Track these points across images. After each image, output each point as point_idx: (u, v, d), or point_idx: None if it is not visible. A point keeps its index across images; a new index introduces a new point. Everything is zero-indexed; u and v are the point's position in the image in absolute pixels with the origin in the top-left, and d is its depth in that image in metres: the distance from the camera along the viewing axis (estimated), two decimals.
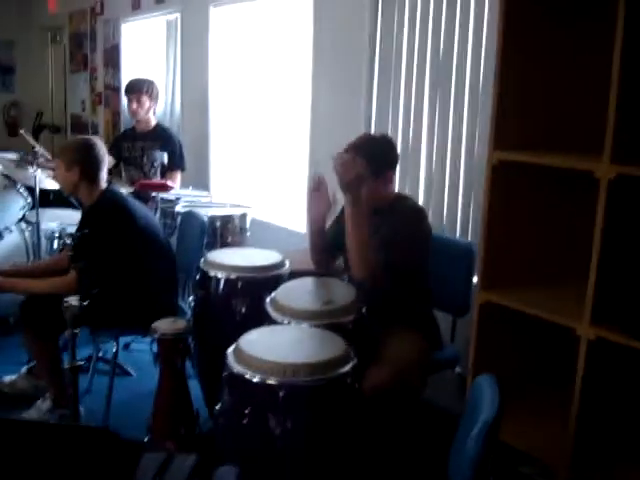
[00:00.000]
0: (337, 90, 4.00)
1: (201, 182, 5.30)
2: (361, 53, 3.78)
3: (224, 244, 3.80)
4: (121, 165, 4.82)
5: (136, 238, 3.10)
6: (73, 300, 2.37)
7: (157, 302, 3.18)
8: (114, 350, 3.21)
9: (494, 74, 2.08)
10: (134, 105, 4.71)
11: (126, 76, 6.31)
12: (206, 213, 3.76)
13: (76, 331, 2.44)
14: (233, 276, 2.95)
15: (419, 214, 2.75)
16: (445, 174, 3.48)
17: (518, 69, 2.08)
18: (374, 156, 2.66)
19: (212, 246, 3.76)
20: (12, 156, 4.75)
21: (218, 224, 3.77)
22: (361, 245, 2.53)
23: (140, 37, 6.20)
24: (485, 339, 2.18)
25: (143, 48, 6.17)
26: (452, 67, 3.35)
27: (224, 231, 3.80)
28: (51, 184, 4.32)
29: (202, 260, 3.08)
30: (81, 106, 7.64)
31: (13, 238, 4.39)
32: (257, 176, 4.93)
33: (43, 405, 3.19)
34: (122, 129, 6.16)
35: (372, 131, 3.81)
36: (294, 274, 3.18)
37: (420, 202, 3.64)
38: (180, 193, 4.19)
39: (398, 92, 3.66)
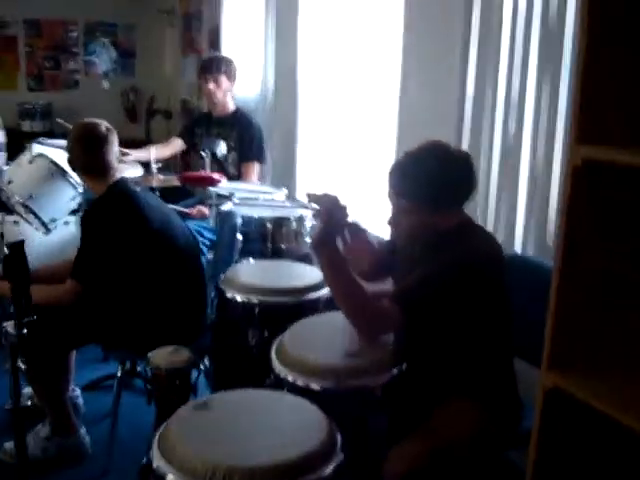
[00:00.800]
0: (428, 69, 3.24)
1: (287, 176, 4.72)
2: (455, 22, 3.00)
3: (276, 252, 3.17)
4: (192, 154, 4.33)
5: (146, 243, 2.56)
6: (9, 327, 1.86)
7: (174, 322, 2.62)
8: (118, 374, 2.68)
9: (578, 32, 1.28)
10: (211, 86, 4.20)
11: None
12: (255, 214, 3.15)
13: (19, 364, 1.91)
14: (252, 299, 2.33)
15: (472, 258, 1.92)
16: (550, 178, 2.64)
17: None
18: (430, 191, 1.89)
19: (261, 254, 3.15)
20: None
21: (269, 227, 3.14)
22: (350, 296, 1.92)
23: (240, 15, 5.70)
24: (551, 439, 1.40)
25: (243, 27, 5.66)
26: (563, 39, 2.51)
27: (276, 236, 3.16)
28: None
29: (221, 276, 2.48)
30: (190, 91, 7.31)
31: (70, 231, 4.04)
32: (341, 172, 4.25)
33: (42, 431, 2.73)
34: None
35: (466, 123, 3.02)
36: None
37: (521, 213, 2.82)
38: (240, 187, 3.61)
39: (495, 72, 2.85)
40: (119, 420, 2.92)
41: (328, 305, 2.39)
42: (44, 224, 3.67)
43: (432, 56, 3.22)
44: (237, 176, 4.20)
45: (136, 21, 8.42)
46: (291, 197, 4.13)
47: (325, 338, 1.97)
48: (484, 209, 2.93)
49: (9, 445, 2.72)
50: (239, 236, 2.94)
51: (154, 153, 3.68)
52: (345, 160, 4.21)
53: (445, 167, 1.91)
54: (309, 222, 3.28)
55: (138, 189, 2.67)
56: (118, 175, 2.67)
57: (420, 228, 1.95)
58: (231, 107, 4.28)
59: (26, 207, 3.64)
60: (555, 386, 1.31)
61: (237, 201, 3.33)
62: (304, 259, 3.33)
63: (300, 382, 1.76)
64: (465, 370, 1.95)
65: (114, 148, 2.67)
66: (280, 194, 3.69)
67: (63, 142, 3.87)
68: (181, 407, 1.59)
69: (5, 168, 4.35)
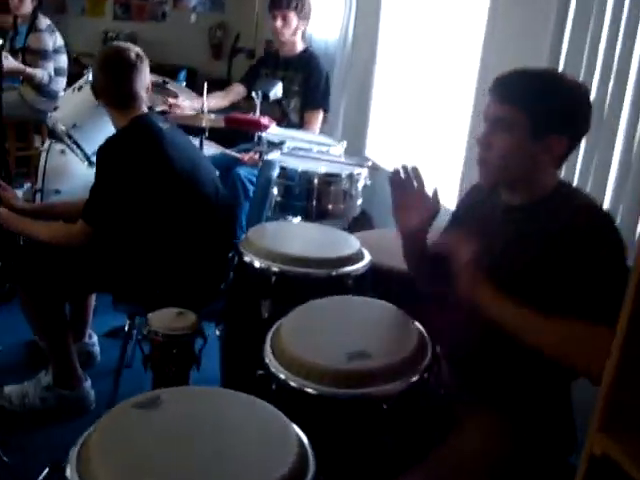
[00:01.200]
0: (516, 29, 2.77)
1: (356, 129, 4.33)
2: None
3: (321, 213, 2.83)
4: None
5: (165, 185, 2.27)
6: None
7: (191, 279, 2.34)
8: (126, 328, 2.42)
9: None
10: (278, 23, 3.84)
11: None
12: (300, 167, 2.80)
13: None
14: (271, 267, 2.00)
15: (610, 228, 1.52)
16: None
17: None
18: (542, 105, 1.52)
19: (303, 214, 2.82)
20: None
21: (315, 183, 2.79)
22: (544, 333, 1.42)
23: None
24: None
25: None
26: None
27: (323, 194, 2.82)
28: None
29: (243, 236, 2.17)
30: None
31: None
32: (413, 132, 3.83)
33: (44, 379, 2.53)
34: None
35: None
36: (381, 274, 2.17)
37: (608, 197, 2.37)
38: (295, 136, 3.27)
39: (599, 32, 2.36)
40: (131, 375, 2.72)
41: (359, 283, 2.04)
42: (86, 156, 3.43)
43: (522, 18, 2.75)
44: (300, 125, 3.88)
45: None
46: (352, 153, 3.77)
47: (332, 329, 1.62)
48: None
49: (9, 389, 2.54)
50: (274, 191, 2.60)
51: (206, 104, 3.38)
52: (419, 121, 3.79)
53: (564, 86, 1.58)
54: (362, 182, 2.92)
55: (166, 126, 2.36)
56: (145, 108, 2.38)
57: (515, 154, 1.54)
58: (299, 47, 3.92)
59: (70, 136, 3.43)
60: (604, 454, 0.93)
61: (286, 150, 3.00)
62: (352, 225, 2.99)
63: (293, 383, 1.43)
64: (511, 375, 1.58)
65: (143, 78, 2.38)
66: (338, 148, 3.32)
67: None
68: (121, 403, 1.29)
69: (62, 94, 4.18)
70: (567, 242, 1.45)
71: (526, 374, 1.55)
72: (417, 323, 1.66)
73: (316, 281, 1.99)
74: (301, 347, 1.50)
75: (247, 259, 2.04)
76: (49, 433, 2.46)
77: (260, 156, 3.23)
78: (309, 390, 1.42)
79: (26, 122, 4.56)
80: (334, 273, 2.01)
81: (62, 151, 3.80)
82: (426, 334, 1.62)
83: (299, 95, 3.82)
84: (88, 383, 2.57)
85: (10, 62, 4.10)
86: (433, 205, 1.66)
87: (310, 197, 2.79)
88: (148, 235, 2.31)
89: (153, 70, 5.45)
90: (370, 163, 2.96)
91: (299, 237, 2.22)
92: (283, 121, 3.81)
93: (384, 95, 4.20)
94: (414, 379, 1.46)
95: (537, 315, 1.41)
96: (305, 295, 1.96)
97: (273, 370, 1.48)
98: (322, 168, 2.82)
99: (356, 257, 2.10)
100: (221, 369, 2.27)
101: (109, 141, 2.34)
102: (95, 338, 2.91)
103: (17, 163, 4.37)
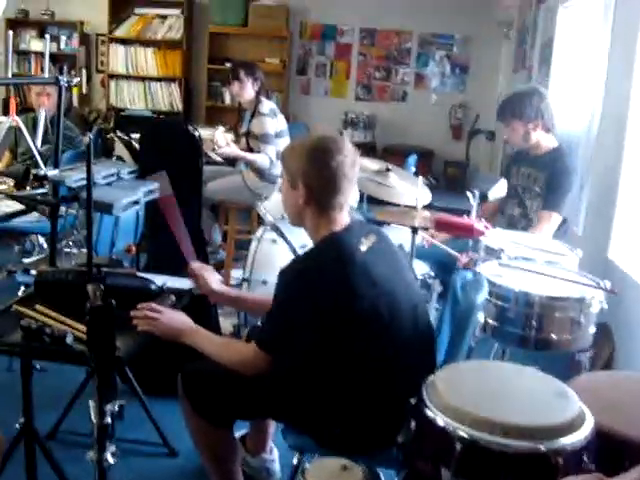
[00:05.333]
0: None
1: (599, 234, 3.72)
2: None
3: (541, 344, 2.33)
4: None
5: (345, 322, 1.94)
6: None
7: (374, 420, 1.99)
8: (294, 462, 2.09)
9: None
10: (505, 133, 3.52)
11: (556, 77, 5.00)
12: (517, 285, 2.35)
13: None
14: (457, 430, 1.58)
15: None
16: None
17: None
18: None
19: (520, 343, 2.35)
20: None
21: (535, 307, 2.31)
22: None
23: (576, 27, 4.76)
24: None
25: (578, 41, 4.71)
26: None
27: (545, 321, 2.31)
28: None
29: (430, 377, 1.76)
30: None
31: None
32: None
33: None
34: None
35: None
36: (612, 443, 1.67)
37: None
38: (521, 241, 2.82)
39: None
40: None
41: (574, 458, 1.54)
42: (293, 250, 3.27)
43: None
44: None
45: (472, 33, 7.86)
46: (591, 257, 3.20)
47: None
48: None
49: None
50: (480, 316, 2.14)
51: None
52: None
53: None
54: (597, 307, 2.38)
55: (367, 245, 2.01)
56: (344, 222, 2.08)
57: None
58: (548, 145, 3.48)
59: (276, 228, 3.30)
60: None
61: (505, 261, 2.56)
62: (577, 365, 2.46)
63: None
64: None
65: (353, 184, 2.08)
66: (572, 258, 2.80)
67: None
68: None
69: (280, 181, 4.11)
70: None
71: None
72: None
73: (514, 456, 1.53)
74: None
75: (429, 413, 1.64)
76: None
77: (475, 263, 2.82)
78: None
79: (250, 206, 4.59)
80: (541, 448, 1.53)
81: (274, 240, 3.68)
82: None
83: (541, 197, 3.38)
84: None
85: (232, 149, 4.16)
86: None
87: (528, 324, 2.31)
88: (327, 367, 1.99)
89: (379, 155, 5.24)
90: (608, 285, 2.41)
91: (499, 388, 1.75)
92: (523, 222, 3.42)
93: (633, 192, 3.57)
94: None
95: None
96: (498, 472, 1.53)
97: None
98: (545, 289, 2.34)
99: (572, 425, 1.60)
100: None
101: (293, 264, 2.06)
102: (276, 453, 2.65)
103: (237, 247, 4.38)
